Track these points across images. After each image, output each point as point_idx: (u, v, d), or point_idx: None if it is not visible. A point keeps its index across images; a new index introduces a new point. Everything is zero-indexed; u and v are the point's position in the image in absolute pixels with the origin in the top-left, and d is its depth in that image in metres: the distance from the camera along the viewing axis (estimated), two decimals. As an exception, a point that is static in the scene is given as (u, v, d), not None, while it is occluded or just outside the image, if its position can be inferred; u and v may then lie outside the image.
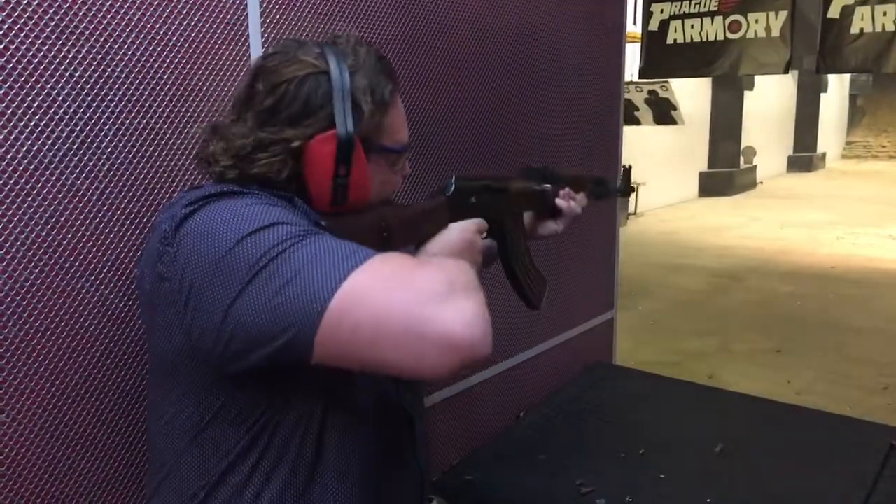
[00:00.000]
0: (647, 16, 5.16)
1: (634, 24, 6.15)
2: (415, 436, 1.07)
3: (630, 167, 1.68)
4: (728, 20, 4.86)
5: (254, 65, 0.97)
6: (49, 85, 1.06)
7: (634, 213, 10.17)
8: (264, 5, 1.34)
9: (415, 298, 0.75)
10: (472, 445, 1.98)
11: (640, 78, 5.64)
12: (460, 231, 1.07)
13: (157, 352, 0.92)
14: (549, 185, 1.34)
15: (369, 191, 0.96)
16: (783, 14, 4.67)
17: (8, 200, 1.03)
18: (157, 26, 1.18)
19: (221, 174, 0.91)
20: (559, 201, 1.36)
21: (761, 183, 14.04)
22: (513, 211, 1.26)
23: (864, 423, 2.15)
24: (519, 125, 2.06)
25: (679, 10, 5.11)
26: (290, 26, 1.40)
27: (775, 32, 4.74)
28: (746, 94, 13.07)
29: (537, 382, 2.23)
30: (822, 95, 17.40)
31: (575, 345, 2.42)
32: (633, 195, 9.96)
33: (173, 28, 1.20)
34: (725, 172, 12.87)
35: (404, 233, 1.01)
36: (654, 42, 5.17)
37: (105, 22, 1.12)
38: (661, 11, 5.18)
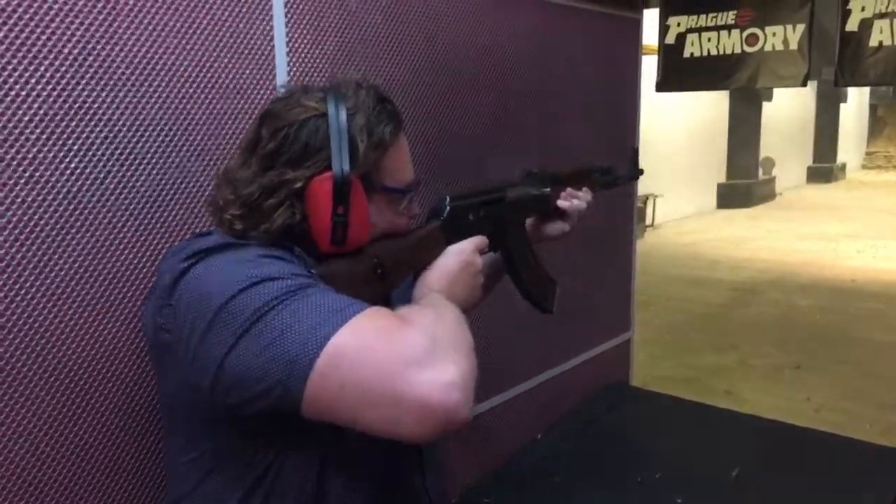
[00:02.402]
0: (664, 29, 5.16)
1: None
2: (423, 463, 1.10)
3: (637, 148, 1.67)
4: (745, 33, 4.85)
5: (261, 110, 1.01)
6: (88, 128, 1.12)
7: (651, 225, 10.15)
8: (290, 46, 1.39)
9: (394, 362, 0.78)
10: (489, 467, 2.01)
11: (657, 91, 5.67)
12: (457, 255, 1.09)
13: (164, 395, 0.97)
14: (548, 189, 1.34)
15: (368, 230, 0.98)
16: (801, 27, 4.65)
17: (49, 239, 1.09)
18: (189, 70, 1.23)
19: (230, 223, 0.95)
20: (561, 202, 1.36)
21: (780, 194, 13.95)
22: (514, 220, 1.27)
23: (885, 448, 2.15)
24: (535, 141, 2.09)
25: (696, 24, 5.11)
26: (316, 66, 1.45)
27: (793, 45, 4.72)
28: (765, 105, 13.01)
29: (554, 404, 2.26)
30: (842, 105, 17.26)
31: (592, 366, 2.44)
32: (650, 207, 9.94)
33: (204, 70, 1.25)
34: (744, 184, 12.80)
35: (400, 266, 1.03)
36: (670, 56, 5.17)
37: (140, 67, 1.17)
38: (678, 25, 5.18)
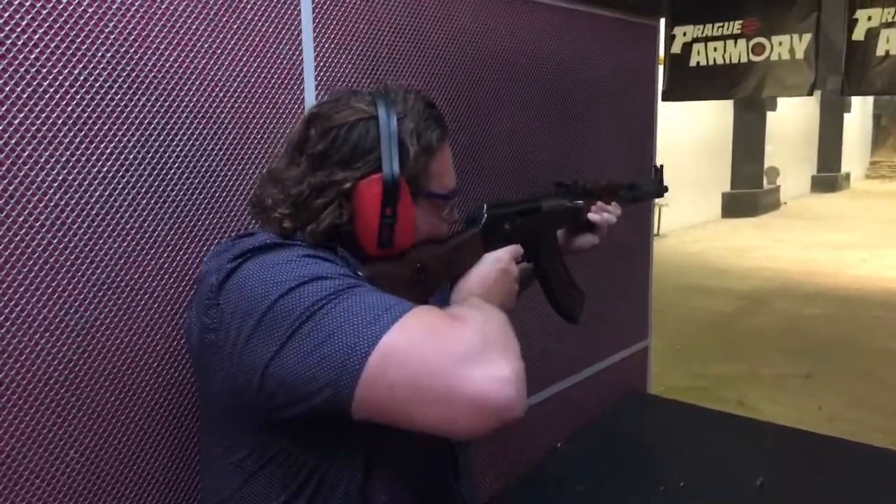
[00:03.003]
0: (670, 39, 5.17)
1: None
2: (458, 470, 1.09)
3: (662, 166, 1.68)
4: (751, 43, 4.85)
5: (308, 111, 1.01)
6: (121, 132, 1.11)
7: (658, 234, 10.13)
8: (318, 50, 1.39)
9: (446, 359, 0.77)
10: (510, 475, 1.99)
11: (663, 100, 5.67)
12: (494, 262, 1.09)
13: (207, 397, 0.96)
14: (580, 202, 1.35)
15: (413, 234, 0.99)
16: (807, 36, 4.65)
17: (81, 244, 1.08)
18: (220, 74, 1.23)
19: (280, 222, 0.95)
20: (592, 215, 1.37)
21: (785, 203, 13.94)
22: (547, 231, 1.28)
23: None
24: (553, 153, 2.08)
25: (702, 34, 5.12)
26: (343, 71, 1.45)
27: (799, 55, 4.73)
28: (769, 114, 13.02)
29: (574, 412, 2.24)
30: (846, 115, 17.29)
31: (610, 374, 2.43)
32: (655, 216, 9.93)
33: (234, 75, 1.25)
34: (749, 193, 12.80)
35: (439, 270, 1.03)
36: (676, 65, 5.18)
37: (172, 71, 1.16)
38: (684, 34, 5.19)
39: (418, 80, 1.64)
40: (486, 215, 1.12)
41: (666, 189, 1.67)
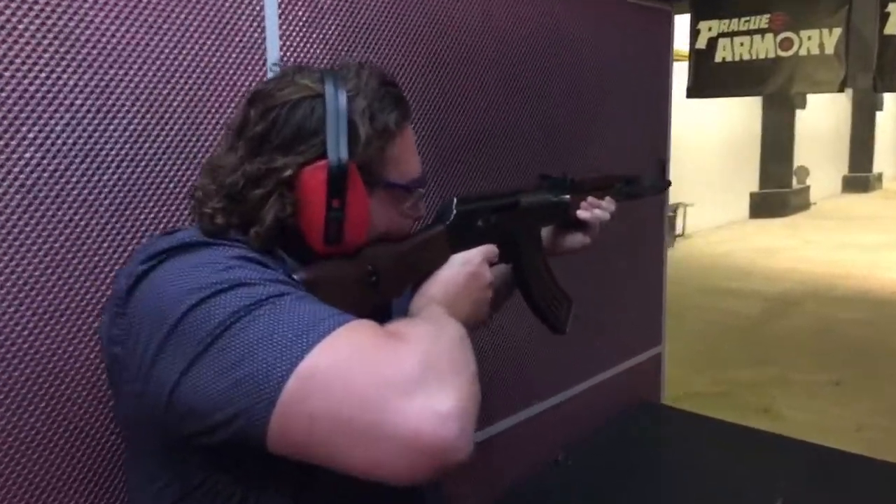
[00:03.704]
0: (695, 34, 5.01)
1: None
2: (421, 491, 0.96)
3: (664, 160, 1.54)
4: (779, 38, 4.68)
5: (250, 90, 0.89)
6: (46, 115, 0.99)
7: (682, 235, 9.91)
8: (283, 28, 1.26)
9: (377, 388, 0.64)
10: (503, 491, 1.85)
11: (687, 97, 5.50)
12: (462, 264, 0.96)
13: (121, 417, 0.84)
14: (567, 196, 1.20)
15: (367, 229, 0.86)
16: (837, 31, 4.46)
17: (1, 236, 0.96)
18: (167, 52, 1.11)
19: (211, 217, 0.82)
20: (581, 212, 1.22)
21: (815, 204, 13.59)
22: (527, 229, 1.14)
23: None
24: (560, 148, 1.94)
25: (728, 28, 4.95)
26: (313, 48, 1.32)
27: (829, 50, 4.53)
28: (799, 112, 12.71)
29: (578, 424, 2.09)
30: (878, 113, 16.84)
31: (619, 383, 2.28)
32: (680, 216, 9.71)
33: (183, 52, 1.13)
34: (778, 193, 12.50)
35: (397, 274, 0.90)
36: (702, 61, 5.02)
37: (109, 48, 1.04)
38: (710, 29, 5.03)
39: (402, 65, 1.50)
40: (454, 211, 0.99)
41: (668, 184, 1.52)
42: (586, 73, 2.03)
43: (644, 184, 1.41)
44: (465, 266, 0.96)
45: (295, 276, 0.79)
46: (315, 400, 0.64)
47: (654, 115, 2.38)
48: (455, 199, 1.00)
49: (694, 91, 5.34)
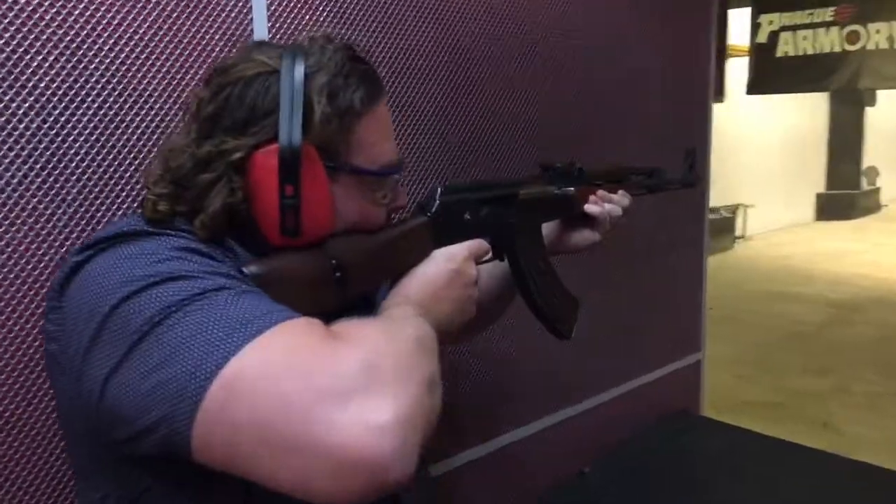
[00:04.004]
0: (755, 28, 4.83)
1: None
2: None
3: (695, 149, 1.40)
4: (845, 31, 4.46)
5: (209, 67, 0.82)
6: (7, 97, 0.94)
7: (742, 237, 9.57)
8: (272, 9, 1.19)
9: (307, 394, 0.56)
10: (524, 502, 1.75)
11: (748, 93, 5.28)
12: (445, 261, 0.87)
13: (60, 419, 0.77)
14: (571, 189, 1.09)
15: (329, 218, 0.78)
16: (908, 24, 4.23)
17: (-43, 226, 0.91)
18: (142, 31, 1.04)
19: (154, 203, 0.75)
20: (590, 206, 1.11)
21: (885, 206, 12.96)
22: (525, 223, 1.03)
23: None
24: (586, 148, 1.82)
25: (790, 22, 4.74)
26: (305, 28, 1.24)
27: (899, 43, 4.30)
28: (868, 110, 12.14)
29: (605, 434, 1.97)
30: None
31: (655, 390, 2.14)
32: (740, 218, 9.39)
33: (161, 32, 1.06)
34: (845, 194, 11.96)
35: (367, 269, 0.81)
36: (762, 55, 4.83)
37: (77, 26, 0.98)
38: (770, 23, 4.83)
39: (405, 55, 1.41)
40: (437, 201, 0.90)
41: (698, 179, 1.39)
42: (617, 64, 1.90)
43: (668, 176, 1.29)
44: (448, 262, 0.87)
45: (245, 270, 0.72)
46: (239, 407, 0.57)
47: (693, 113, 2.22)
48: (440, 188, 0.91)
49: (755, 87, 5.13)
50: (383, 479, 0.55)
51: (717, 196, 7.74)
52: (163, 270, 0.65)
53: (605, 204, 1.12)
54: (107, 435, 0.65)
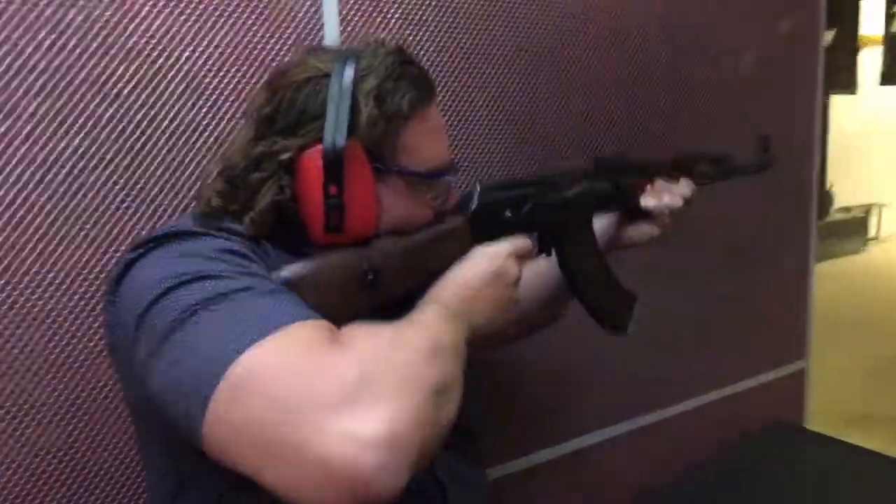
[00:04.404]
0: (890, 17, 4.52)
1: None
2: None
3: (767, 136, 1.30)
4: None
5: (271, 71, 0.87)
6: (94, 104, 1.02)
7: (876, 239, 8.89)
8: (343, 14, 1.22)
9: (301, 400, 0.57)
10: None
11: (881, 84, 4.92)
12: (484, 260, 0.86)
13: (125, 401, 0.83)
14: (623, 181, 1.05)
15: (373, 218, 0.81)
16: None
17: (47, 224, 1.00)
18: (217, 40, 1.10)
19: (208, 200, 0.81)
20: (645, 199, 1.07)
21: None
22: (574, 219, 1.01)
23: None
24: (674, 136, 1.75)
25: (927, 9, 4.39)
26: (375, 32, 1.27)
27: None
28: None
29: (695, 443, 1.89)
30: None
31: (751, 399, 2.03)
32: (874, 218, 8.73)
33: (235, 41, 1.12)
34: None
35: (402, 271, 0.82)
36: (896, 46, 4.49)
37: (158, 37, 1.05)
38: (905, 12, 4.49)
39: (481, 59, 1.41)
40: (476, 200, 0.89)
41: (772, 160, 1.30)
42: (713, 55, 1.82)
43: (737, 163, 1.22)
44: (487, 261, 0.86)
45: (275, 273, 0.75)
46: (240, 406, 0.59)
47: (798, 110, 2.08)
48: (479, 186, 0.91)
49: (889, 77, 4.76)
50: (364, 494, 0.55)
51: (848, 194, 7.22)
52: (197, 269, 0.69)
53: (663, 196, 1.07)
54: (153, 419, 0.70)
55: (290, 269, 0.75)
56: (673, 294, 1.76)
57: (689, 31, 1.75)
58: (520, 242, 0.90)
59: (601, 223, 1.09)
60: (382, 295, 0.81)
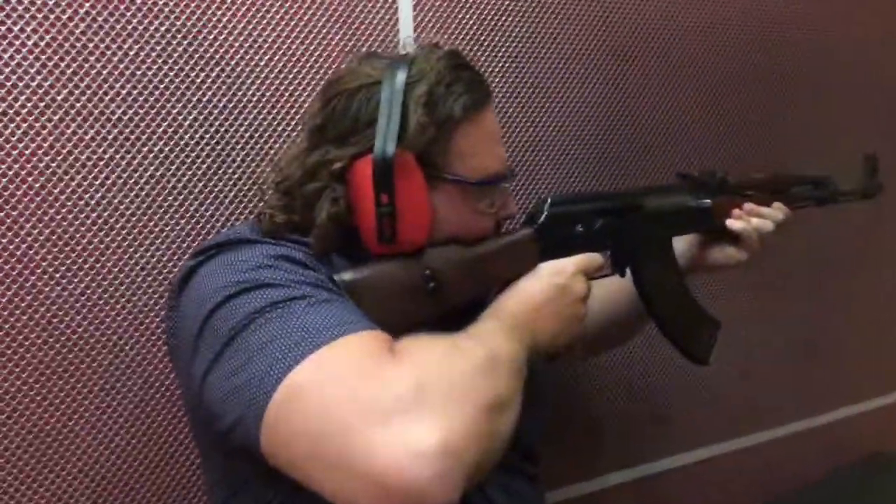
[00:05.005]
0: None
1: None
2: None
3: (875, 155, 1.22)
4: None
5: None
6: (175, 110, 1.05)
7: None
8: (418, 20, 1.23)
9: (354, 413, 0.56)
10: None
11: None
12: (550, 275, 0.83)
13: (185, 406, 0.85)
14: (707, 201, 1.00)
15: (427, 226, 0.79)
16: None
17: (130, 225, 1.03)
18: (294, 47, 1.12)
19: (271, 216, 0.81)
20: (732, 221, 1.01)
21: None
22: (651, 237, 0.96)
23: None
24: (784, 160, 1.67)
25: None
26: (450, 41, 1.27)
27: None
28: None
29: (783, 474, 1.78)
30: None
31: (848, 429, 1.90)
32: None
33: (312, 47, 1.14)
34: None
35: (464, 280, 0.80)
36: None
37: (237, 45, 1.08)
38: None
39: (566, 59, 1.39)
40: (545, 213, 0.87)
41: (880, 187, 1.21)
42: (811, 59, 1.73)
43: (838, 188, 1.14)
44: (553, 277, 0.84)
45: (336, 278, 0.75)
46: (296, 417, 0.59)
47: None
48: (549, 199, 0.88)
49: None
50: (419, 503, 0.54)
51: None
52: (255, 277, 0.70)
53: (752, 219, 1.02)
54: (210, 426, 0.71)
55: (352, 273, 0.75)
56: (769, 315, 1.68)
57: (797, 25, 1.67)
58: (588, 259, 0.87)
59: (683, 243, 1.05)
60: (445, 304, 0.79)
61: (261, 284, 0.68)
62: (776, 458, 1.78)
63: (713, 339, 1.00)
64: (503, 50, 1.32)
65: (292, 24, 1.12)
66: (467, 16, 1.28)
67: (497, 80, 1.31)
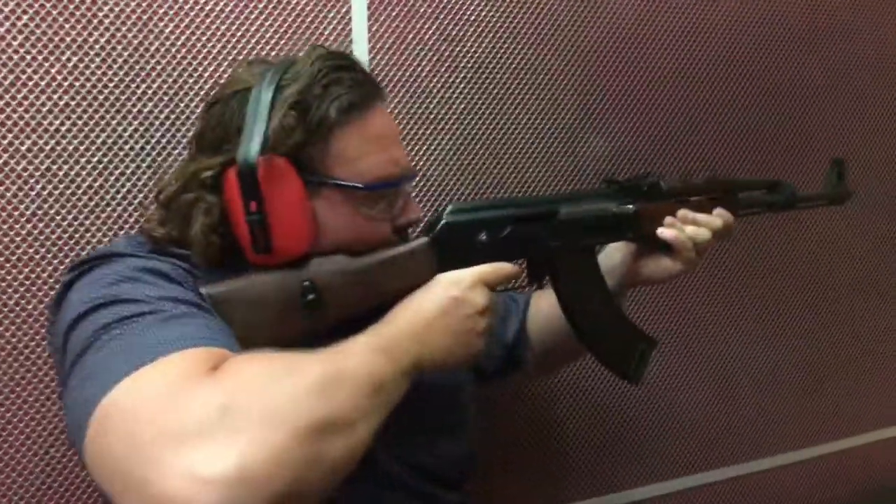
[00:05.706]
0: None
1: None
2: None
3: (842, 160, 1.11)
4: None
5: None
6: (115, 121, 1.05)
7: None
8: (373, 31, 1.20)
9: (154, 434, 0.53)
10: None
11: None
12: (445, 287, 0.78)
13: None
14: (630, 207, 0.92)
15: (305, 234, 0.76)
16: None
17: (66, 236, 1.04)
18: (239, 59, 1.11)
19: (151, 231, 0.79)
20: (662, 230, 0.92)
21: None
22: (569, 247, 0.89)
23: None
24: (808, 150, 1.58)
25: None
26: (405, 48, 1.24)
27: None
28: None
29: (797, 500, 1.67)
30: None
31: (853, 460, 1.77)
32: None
33: (263, 55, 1.12)
34: None
35: (352, 293, 0.76)
36: None
37: (179, 56, 1.08)
38: None
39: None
40: (443, 220, 0.82)
41: (849, 193, 1.11)
42: (820, 59, 1.62)
43: (796, 192, 1.04)
44: (449, 289, 0.79)
45: (202, 291, 0.72)
46: (106, 438, 0.57)
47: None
48: (449, 207, 0.83)
49: None
50: None
51: None
52: (111, 293, 0.68)
53: (686, 227, 0.93)
54: None
55: (219, 287, 0.72)
56: (752, 341, 1.59)
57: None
58: (492, 269, 0.82)
59: (618, 254, 0.98)
60: (327, 318, 0.76)
61: (116, 300, 0.67)
62: (754, 490, 1.68)
63: (645, 358, 0.92)
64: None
65: (238, 35, 1.11)
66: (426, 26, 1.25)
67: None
